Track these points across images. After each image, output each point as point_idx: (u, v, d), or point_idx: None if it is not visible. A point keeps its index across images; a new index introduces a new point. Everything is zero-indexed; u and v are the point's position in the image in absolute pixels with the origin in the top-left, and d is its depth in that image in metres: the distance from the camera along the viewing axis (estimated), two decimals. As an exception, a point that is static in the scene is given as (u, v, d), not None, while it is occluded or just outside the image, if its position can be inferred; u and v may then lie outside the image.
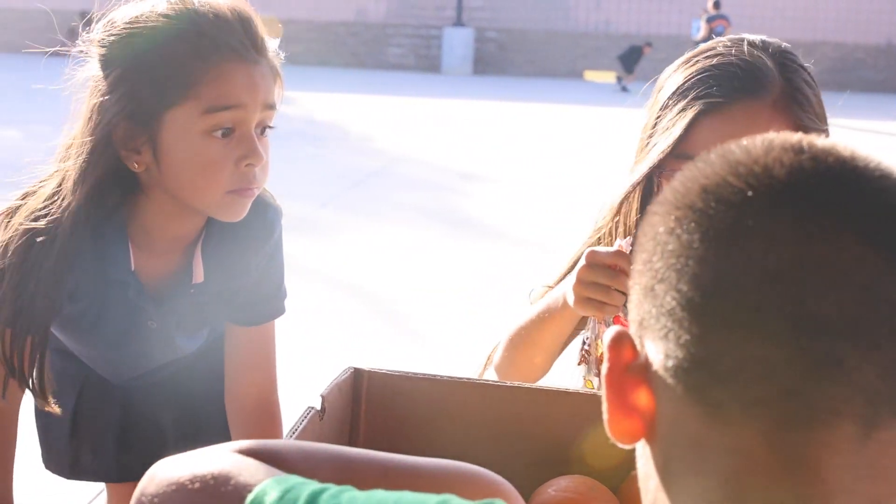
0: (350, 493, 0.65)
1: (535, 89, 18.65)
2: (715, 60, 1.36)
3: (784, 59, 1.38)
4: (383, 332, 4.79)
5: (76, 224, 1.32)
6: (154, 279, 1.44)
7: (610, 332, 0.60)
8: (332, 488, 0.65)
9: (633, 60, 19.73)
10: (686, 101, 1.34)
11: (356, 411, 1.25)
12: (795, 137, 0.58)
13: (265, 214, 1.46)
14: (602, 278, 1.30)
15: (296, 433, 1.07)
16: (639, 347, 0.60)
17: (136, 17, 1.32)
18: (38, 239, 1.32)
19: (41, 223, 1.33)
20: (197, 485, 0.67)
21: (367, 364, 1.27)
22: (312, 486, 0.65)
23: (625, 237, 1.39)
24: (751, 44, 1.38)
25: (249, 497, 0.65)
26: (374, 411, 1.25)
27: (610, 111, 14.60)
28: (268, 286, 1.51)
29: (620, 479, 1.20)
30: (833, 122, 1.41)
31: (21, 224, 1.34)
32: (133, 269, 1.41)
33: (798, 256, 0.53)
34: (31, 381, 1.39)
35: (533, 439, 1.24)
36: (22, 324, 1.35)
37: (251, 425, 1.52)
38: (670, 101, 1.37)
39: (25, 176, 1.42)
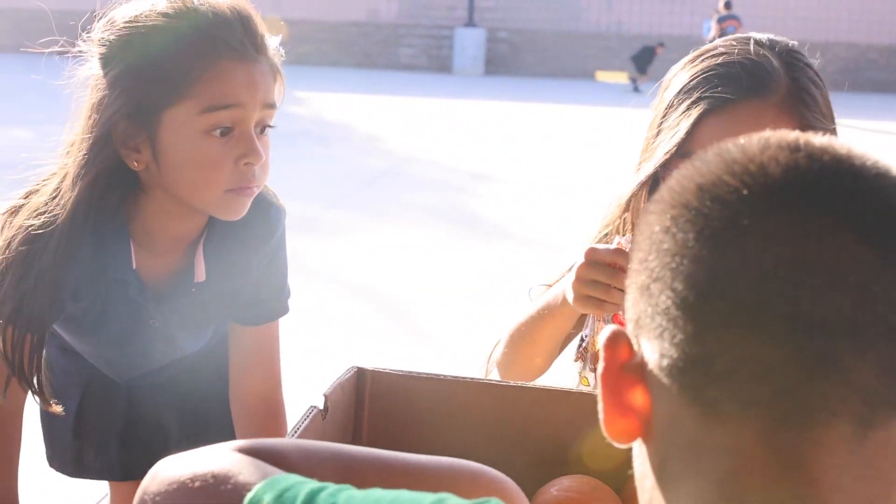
0: (348, 492, 0.65)
1: (546, 90, 18.63)
2: (720, 59, 1.35)
3: (790, 58, 1.37)
4: (389, 332, 4.79)
5: (74, 221, 1.32)
6: (155, 278, 1.45)
7: (606, 332, 0.60)
8: (330, 487, 0.65)
9: (645, 61, 19.70)
10: (691, 100, 1.33)
11: (359, 411, 1.25)
12: (792, 135, 0.58)
13: (267, 213, 1.46)
14: (601, 276, 1.29)
15: (298, 432, 1.07)
16: (635, 347, 0.59)
17: (136, 15, 1.32)
18: (37, 233, 1.32)
19: (41, 220, 1.33)
20: (197, 483, 0.68)
21: (370, 363, 1.27)
22: (310, 485, 0.65)
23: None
24: (757, 42, 1.37)
25: (248, 496, 0.65)
26: (377, 411, 1.25)
27: (621, 112, 14.58)
28: (270, 285, 1.51)
29: (623, 479, 1.20)
30: (845, 122, 1.40)
31: (23, 222, 1.34)
32: (134, 267, 1.41)
33: (794, 255, 0.53)
34: (31, 381, 1.39)
35: (536, 439, 1.23)
36: (22, 321, 1.35)
37: (255, 425, 1.52)
38: (676, 100, 1.36)
39: (33, 174, 1.43)
